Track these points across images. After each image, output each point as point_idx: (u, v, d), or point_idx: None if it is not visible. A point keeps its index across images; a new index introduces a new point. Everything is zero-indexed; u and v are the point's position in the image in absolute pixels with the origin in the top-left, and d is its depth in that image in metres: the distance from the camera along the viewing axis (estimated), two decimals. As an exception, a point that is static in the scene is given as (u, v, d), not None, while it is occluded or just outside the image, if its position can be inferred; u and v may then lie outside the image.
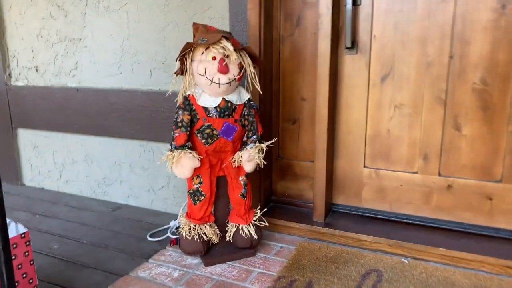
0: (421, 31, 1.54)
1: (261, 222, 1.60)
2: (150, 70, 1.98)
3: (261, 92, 1.47)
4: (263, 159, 1.49)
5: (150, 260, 1.60)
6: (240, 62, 1.41)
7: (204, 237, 1.54)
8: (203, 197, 1.53)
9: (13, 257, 1.17)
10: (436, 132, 1.59)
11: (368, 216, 1.76)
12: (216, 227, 1.59)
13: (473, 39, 1.48)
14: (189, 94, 1.45)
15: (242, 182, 1.55)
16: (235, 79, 1.41)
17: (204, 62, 1.38)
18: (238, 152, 1.51)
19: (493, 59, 1.47)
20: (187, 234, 1.52)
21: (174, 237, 1.75)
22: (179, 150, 1.43)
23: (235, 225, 1.57)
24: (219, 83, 1.38)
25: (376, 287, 1.36)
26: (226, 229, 1.61)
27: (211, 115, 1.44)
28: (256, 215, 1.60)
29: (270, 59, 1.76)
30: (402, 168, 1.67)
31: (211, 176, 1.53)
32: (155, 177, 2.09)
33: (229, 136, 1.47)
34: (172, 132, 1.46)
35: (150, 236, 1.80)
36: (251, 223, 1.57)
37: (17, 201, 2.28)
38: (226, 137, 1.47)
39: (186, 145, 1.45)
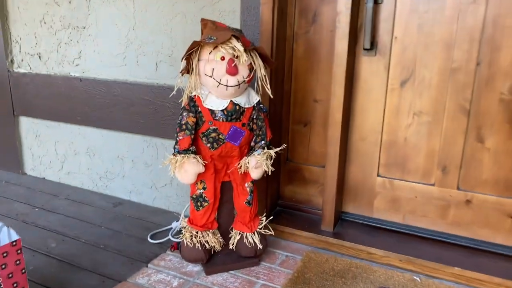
0: (447, 34, 1.42)
1: (266, 230, 1.52)
2: (155, 63, 1.88)
3: (272, 96, 1.37)
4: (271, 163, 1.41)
5: (149, 265, 1.53)
6: (251, 63, 1.31)
7: (206, 245, 1.46)
8: (206, 203, 1.45)
9: (3, 267, 1.10)
10: (457, 143, 1.48)
11: (379, 227, 1.67)
12: (219, 235, 1.51)
13: (503, 45, 1.36)
14: (195, 95, 1.36)
15: (248, 189, 1.47)
16: (244, 81, 1.31)
17: (212, 62, 1.29)
18: (245, 158, 1.42)
19: (525, 68, 1.35)
20: (189, 241, 1.45)
21: (175, 240, 1.68)
22: (183, 155, 1.35)
23: (239, 233, 1.50)
24: (227, 85, 1.29)
25: (386, 308, 1.28)
26: (230, 235, 1.53)
27: (217, 118, 1.35)
28: (262, 223, 1.52)
29: (282, 58, 1.66)
30: (418, 179, 1.57)
31: (215, 181, 1.45)
32: (158, 174, 2.02)
33: (236, 141, 1.38)
34: (176, 135, 1.37)
35: (151, 238, 1.73)
36: (256, 231, 1.50)
37: (17, 191, 2.22)
38: (232, 142, 1.38)
39: (190, 149, 1.36)
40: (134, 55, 1.93)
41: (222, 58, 1.28)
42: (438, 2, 1.42)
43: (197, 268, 1.51)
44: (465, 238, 1.54)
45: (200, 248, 1.45)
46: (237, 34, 1.27)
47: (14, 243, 1.12)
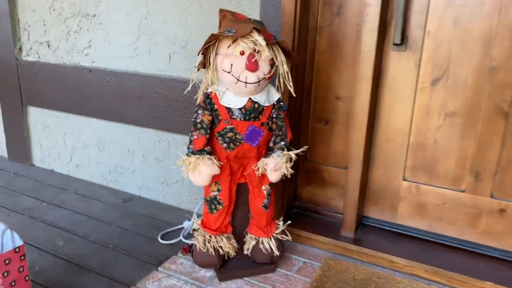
0: (486, 29, 1.30)
1: (283, 236, 1.43)
2: (169, 54, 1.79)
3: (294, 95, 1.27)
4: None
5: (159, 268, 1.46)
6: (272, 58, 1.20)
7: (220, 250, 1.38)
8: (220, 206, 1.37)
9: (5, 274, 1.03)
10: (493, 147, 1.37)
11: (402, 234, 1.57)
12: (233, 239, 1.43)
13: (550, 42, 1.24)
14: (211, 92, 1.26)
15: (265, 192, 1.38)
16: (264, 77, 1.21)
17: (231, 57, 1.19)
18: (262, 159, 1.33)
19: None
20: (202, 246, 1.37)
21: (186, 241, 1.60)
22: (197, 155, 1.26)
23: (255, 238, 1.42)
24: (246, 82, 1.19)
25: (412, 325, 1.20)
26: (244, 239, 1.45)
27: (234, 116, 1.26)
28: (279, 227, 1.44)
29: (304, 51, 1.55)
30: (448, 184, 1.47)
31: (231, 183, 1.36)
32: (169, 170, 1.93)
33: (253, 141, 1.29)
34: (190, 134, 1.28)
35: (162, 238, 1.66)
36: (273, 236, 1.41)
37: (25, 184, 2.16)
38: (250, 142, 1.29)
39: (205, 150, 1.27)
40: (146, 45, 1.83)
41: (242, 53, 1.18)
42: (478, -6, 1.30)
43: (209, 273, 1.43)
44: (497, 250, 1.44)
45: (213, 254, 1.37)
46: (258, 27, 1.16)
47: (17, 250, 1.05)
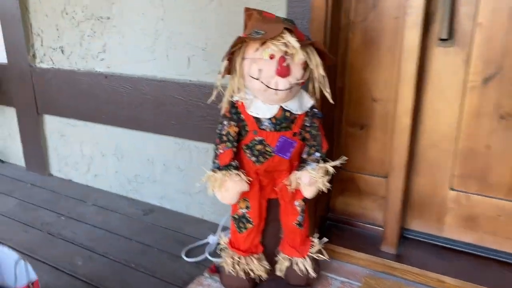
0: (549, 19, 1.14)
1: (319, 255, 1.30)
2: (188, 58, 1.67)
3: (332, 101, 1.13)
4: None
5: (185, 291, 1.35)
6: (306, 61, 1.07)
7: (251, 273, 1.26)
8: (250, 225, 1.24)
9: (18, 312, 0.93)
10: (556, 153, 1.21)
11: (450, 248, 1.42)
12: (265, 260, 1.31)
13: None
14: (237, 100, 1.14)
15: (298, 208, 1.25)
16: (297, 83, 1.08)
17: (259, 62, 1.05)
18: (295, 172, 1.20)
19: None
20: (231, 269, 1.25)
21: (212, 259, 1.49)
22: (224, 171, 1.13)
23: (288, 258, 1.29)
24: (276, 89, 1.06)
25: None
26: (276, 259, 1.33)
27: (264, 127, 1.13)
28: (314, 246, 1.31)
29: (335, 50, 1.41)
30: (503, 195, 1.31)
31: (260, 199, 1.24)
32: (192, 179, 1.82)
33: (285, 154, 1.16)
34: (215, 147, 1.16)
35: (186, 255, 1.55)
36: (308, 256, 1.28)
37: (42, 195, 2.08)
38: (282, 155, 1.16)
39: (232, 164, 1.15)
40: (163, 48, 1.72)
41: (271, 57, 1.04)
42: (539, -21, 1.13)
43: (239, 296, 1.31)
44: (562, 268, 1.28)
45: (243, 277, 1.24)
46: (290, 26, 1.03)
47: (31, 286, 0.95)
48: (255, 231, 1.25)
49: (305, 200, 1.25)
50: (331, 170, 1.18)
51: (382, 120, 1.44)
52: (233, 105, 1.14)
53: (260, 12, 1.09)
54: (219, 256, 1.35)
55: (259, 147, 1.14)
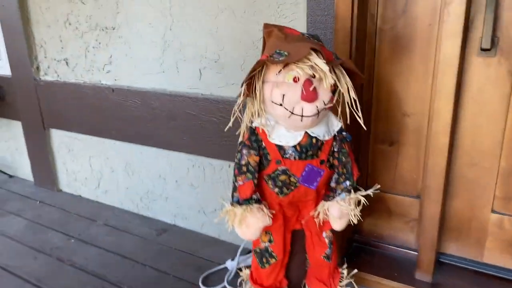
0: None
1: (350, 289, 1.19)
2: (199, 70, 1.55)
3: (365, 128, 1.01)
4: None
5: (204, 327, 1.25)
6: (335, 83, 0.95)
7: (276, 311, 1.16)
8: (273, 260, 1.13)
9: None
10: None
11: (491, 275, 1.30)
12: (290, 295, 1.20)
13: None
14: (257, 127, 1.02)
15: (326, 240, 1.14)
16: (324, 108, 0.95)
17: (282, 86, 0.93)
18: (323, 203, 1.09)
19: None
20: (254, 308, 1.15)
21: (232, 289, 1.39)
22: (244, 206, 1.02)
23: (316, 293, 1.18)
24: (302, 115, 0.94)
25: None
26: (302, 292, 1.22)
27: (287, 156, 1.01)
28: (343, 279, 1.19)
29: (361, 61, 1.28)
30: (553, 219, 1.18)
31: (284, 232, 1.13)
32: (206, 197, 1.72)
33: (312, 184, 1.05)
34: (234, 179, 1.05)
35: (203, 282, 1.45)
36: (337, 289, 1.17)
37: (52, 215, 2.00)
38: (308, 185, 1.04)
39: (253, 198, 1.03)
40: (173, 60, 1.60)
41: (296, 80, 0.92)
42: None
43: (263, 334, 1.21)
44: None
45: (268, 316, 1.14)
46: (316, 46, 0.90)
47: None
48: (279, 265, 1.15)
49: (333, 231, 1.13)
50: (363, 200, 1.06)
51: (414, 136, 1.31)
52: (253, 131, 1.03)
53: (281, 29, 0.96)
54: (238, 285, 1.25)
55: (282, 177, 1.03)
